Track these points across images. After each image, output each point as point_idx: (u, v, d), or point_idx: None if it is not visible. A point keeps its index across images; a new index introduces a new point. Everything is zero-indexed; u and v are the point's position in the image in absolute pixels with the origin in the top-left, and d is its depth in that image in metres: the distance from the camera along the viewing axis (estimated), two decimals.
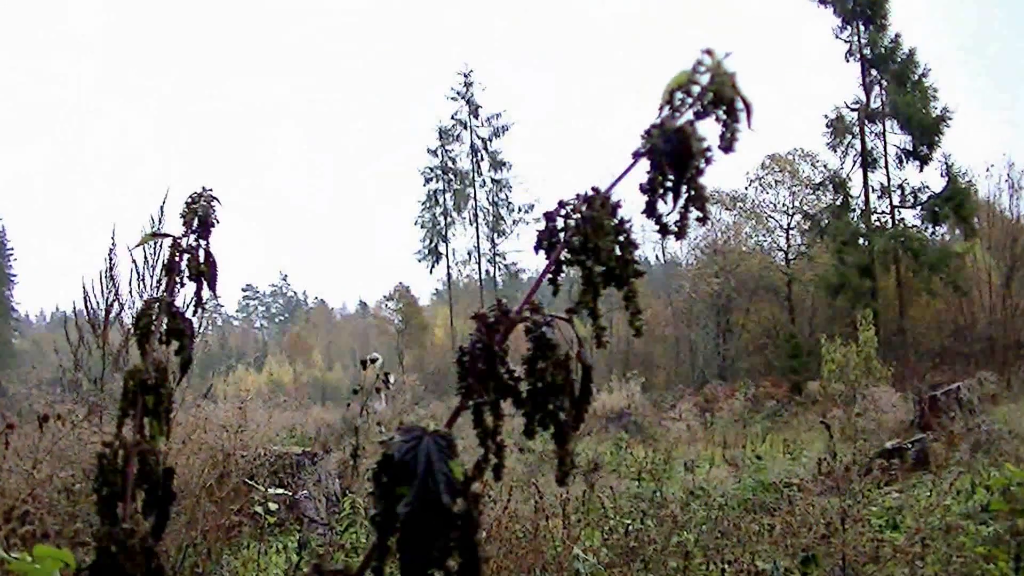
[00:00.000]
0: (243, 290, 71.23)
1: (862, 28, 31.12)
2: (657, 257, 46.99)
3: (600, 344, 0.80)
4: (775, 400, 23.45)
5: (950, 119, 30.19)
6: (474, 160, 40.79)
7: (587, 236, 0.78)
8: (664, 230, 0.77)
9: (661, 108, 0.75)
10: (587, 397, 0.79)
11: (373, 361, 6.88)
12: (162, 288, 1.24)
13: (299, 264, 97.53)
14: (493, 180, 40.82)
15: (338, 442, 11.90)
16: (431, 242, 40.59)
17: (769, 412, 21.42)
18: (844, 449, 9.35)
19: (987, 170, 32.52)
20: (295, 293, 74.93)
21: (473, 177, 40.82)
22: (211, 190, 1.28)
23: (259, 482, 5.54)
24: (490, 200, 40.85)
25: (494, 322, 0.79)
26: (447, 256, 40.71)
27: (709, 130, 0.74)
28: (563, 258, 0.80)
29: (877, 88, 31.32)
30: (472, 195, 40.76)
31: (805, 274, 34.17)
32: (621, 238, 0.78)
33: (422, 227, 40.98)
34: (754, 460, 10.54)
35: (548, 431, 0.78)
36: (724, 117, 0.74)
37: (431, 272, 41.15)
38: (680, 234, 0.77)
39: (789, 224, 35.50)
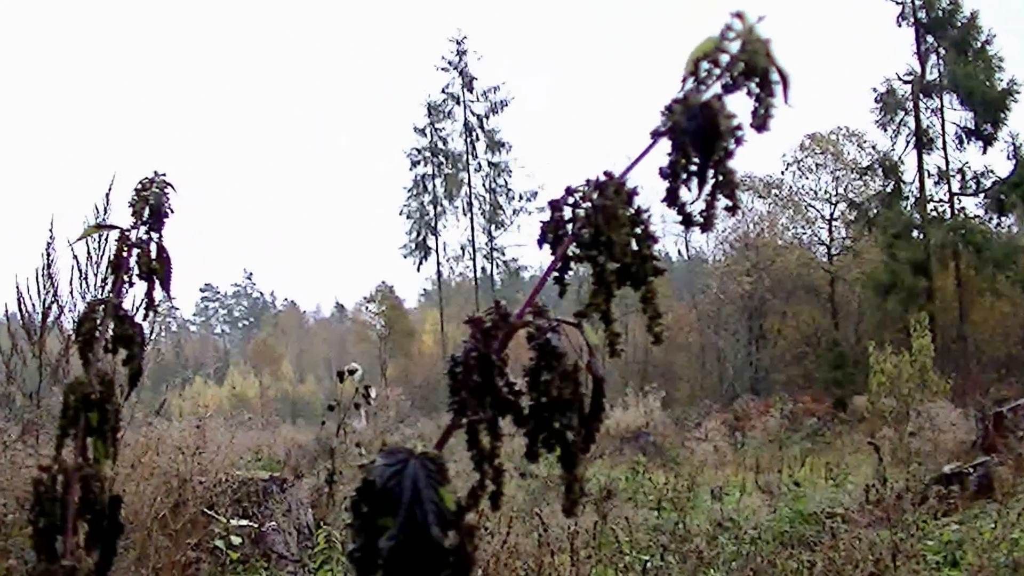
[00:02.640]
0: (201, 290, 71.34)
1: None
2: (680, 252, 47.16)
3: (614, 353, 0.80)
4: (816, 417, 23.48)
5: (1018, 93, 30.00)
6: (468, 140, 40.76)
7: (599, 228, 0.78)
8: (688, 221, 0.77)
9: (684, 80, 0.75)
10: (598, 414, 0.79)
11: (351, 373, 6.88)
12: (108, 288, 1.24)
13: (266, 261, 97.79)
14: (490, 163, 40.79)
15: (311, 466, 11.90)
16: (418, 235, 40.46)
17: (809, 431, 21.44)
18: (895, 474, 9.38)
19: None
20: (261, 294, 75.08)
21: (467, 160, 40.80)
22: (164, 175, 1.28)
23: (220, 512, 5.55)
24: (487, 186, 40.79)
25: (491, 327, 0.79)
26: (437, 251, 40.65)
27: (739, 106, 0.74)
28: (571, 253, 0.80)
29: (934, 57, 31.18)
30: (466, 180, 40.76)
31: (850, 272, 33.95)
32: (638, 230, 0.78)
33: (408, 217, 40.85)
34: (792, 487, 10.55)
35: (554, 453, 0.78)
36: (757, 90, 0.74)
37: (418, 270, 41.18)
38: (706, 226, 0.77)
39: (832, 214, 35.39)
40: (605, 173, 0.79)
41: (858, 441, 16.71)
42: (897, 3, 31.22)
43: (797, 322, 34.80)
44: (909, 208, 31.39)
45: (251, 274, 73.65)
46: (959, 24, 30.47)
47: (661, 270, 0.79)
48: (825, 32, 77.09)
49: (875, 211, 31.88)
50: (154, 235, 1.23)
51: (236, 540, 5.27)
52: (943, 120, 30.93)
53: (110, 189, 5.55)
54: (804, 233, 36.30)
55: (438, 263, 40.82)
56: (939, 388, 19.73)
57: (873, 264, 31.92)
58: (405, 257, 40.62)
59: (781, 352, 35.08)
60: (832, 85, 66.07)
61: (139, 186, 1.25)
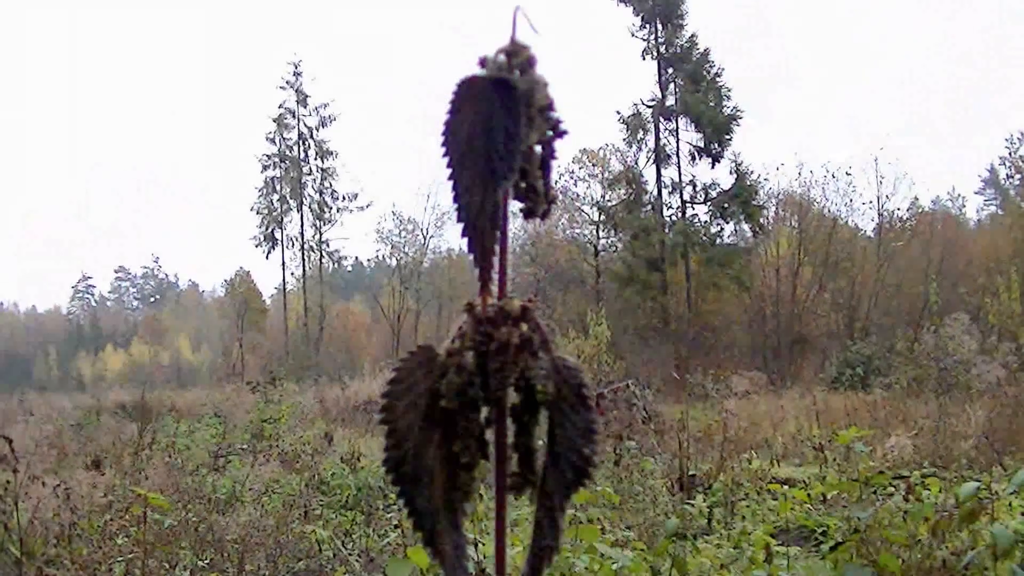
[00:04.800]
0: (115, 272, 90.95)
1: (660, 27, 39.33)
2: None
3: None
4: None
5: (740, 118, 38.87)
6: (302, 148, 48.52)
7: None
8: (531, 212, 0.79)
9: None
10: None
11: None
12: None
13: (176, 244, 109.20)
14: (320, 168, 48.63)
15: None
16: (267, 228, 47.90)
17: None
18: None
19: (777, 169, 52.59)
20: (166, 275, 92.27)
21: (300, 165, 48.03)
22: None
23: None
24: (315, 188, 48.74)
25: (493, 318, 0.76)
26: (283, 243, 48.14)
27: None
28: None
29: (672, 86, 39.56)
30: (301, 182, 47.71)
31: (613, 266, 40.37)
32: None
33: (258, 213, 48.27)
34: None
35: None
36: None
37: (267, 258, 48.82)
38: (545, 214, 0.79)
39: (599, 218, 42.47)
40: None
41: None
42: (643, 40, 39.53)
43: (565, 308, 39.10)
44: (648, 213, 39.32)
45: (158, 258, 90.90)
46: (694, 59, 38.97)
47: None
48: (595, 63, 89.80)
49: (620, 216, 40.01)
50: None
51: None
52: (678, 140, 39.51)
53: None
54: (577, 232, 43.28)
55: (283, 253, 48.12)
56: (611, 368, 23.05)
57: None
58: (256, 247, 48.02)
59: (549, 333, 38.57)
60: (606, 108, 73.83)
61: None
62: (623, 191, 40.18)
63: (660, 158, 38.91)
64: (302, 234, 48.03)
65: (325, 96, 56.27)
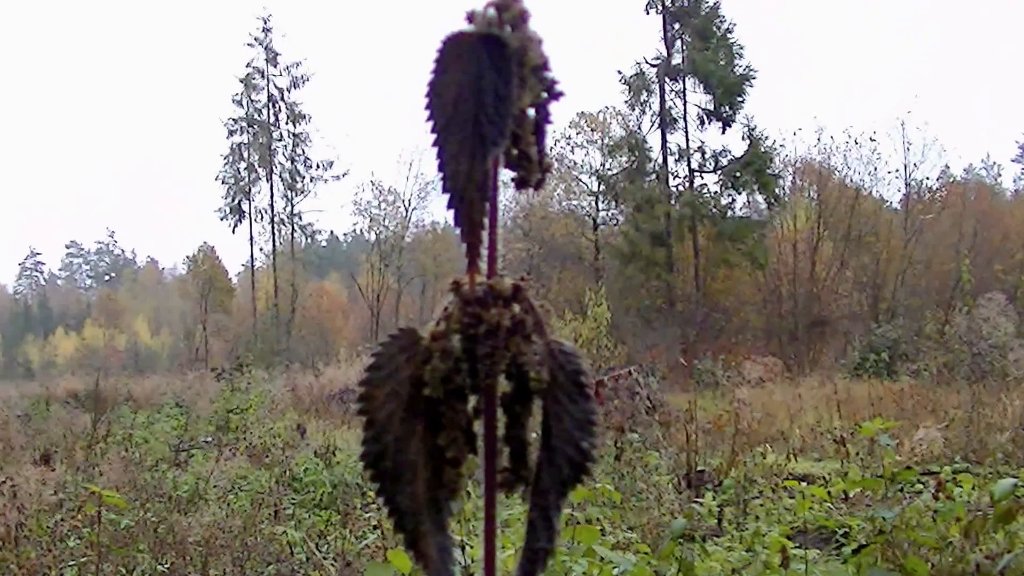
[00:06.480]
0: (67, 247, 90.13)
1: None
2: (448, 220, 51.06)
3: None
4: None
5: (754, 78, 38.01)
6: (272, 111, 47.73)
7: None
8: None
9: None
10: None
11: None
12: None
13: (134, 219, 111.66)
14: (291, 134, 48.31)
15: None
16: (233, 199, 47.50)
17: None
18: None
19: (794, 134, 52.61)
20: (123, 251, 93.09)
21: (270, 129, 47.19)
22: None
23: None
24: (287, 155, 48.51)
25: (483, 298, 0.76)
26: (251, 215, 47.74)
27: None
28: None
29: (679, 43, 38.32)
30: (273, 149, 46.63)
31: (615, 241, 40.12)
32: None
33: (223, 183, 47.96)
34: None
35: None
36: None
37: (234, 231, 48.72)
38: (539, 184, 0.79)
39: (599, 188, 42.16)
40: None
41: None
42: None
43: (561, 287, 39.04)
44: (652, 183, 38.81)
45: (113, 232, 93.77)
46: (703, 13, 37.97)
47: None
48: (594, 18, 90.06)
49: (622, 186, 39.50)
50: None
51: None
52: (685, 102, 38.64)
53: None
54: (574, 204, 42.95)
55: (251, 226, 48.05)
56: (612, 353, 23.17)
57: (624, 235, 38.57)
58: (221, 220, 47.52)
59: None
60: (606, 67, 76.80)
61: None
62: (625, 159, 39.82)
63: (665, 122, 38.58)
64: (272, 206, 47.72)
65: (297, 54, 57.50)
